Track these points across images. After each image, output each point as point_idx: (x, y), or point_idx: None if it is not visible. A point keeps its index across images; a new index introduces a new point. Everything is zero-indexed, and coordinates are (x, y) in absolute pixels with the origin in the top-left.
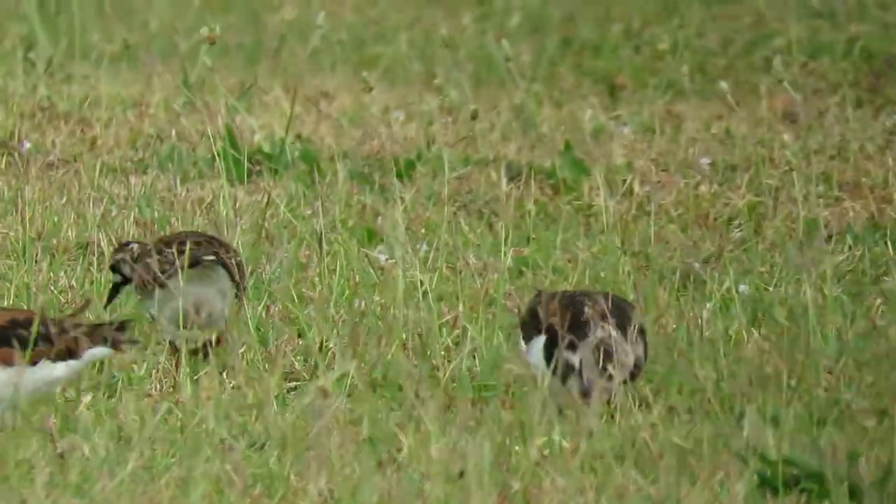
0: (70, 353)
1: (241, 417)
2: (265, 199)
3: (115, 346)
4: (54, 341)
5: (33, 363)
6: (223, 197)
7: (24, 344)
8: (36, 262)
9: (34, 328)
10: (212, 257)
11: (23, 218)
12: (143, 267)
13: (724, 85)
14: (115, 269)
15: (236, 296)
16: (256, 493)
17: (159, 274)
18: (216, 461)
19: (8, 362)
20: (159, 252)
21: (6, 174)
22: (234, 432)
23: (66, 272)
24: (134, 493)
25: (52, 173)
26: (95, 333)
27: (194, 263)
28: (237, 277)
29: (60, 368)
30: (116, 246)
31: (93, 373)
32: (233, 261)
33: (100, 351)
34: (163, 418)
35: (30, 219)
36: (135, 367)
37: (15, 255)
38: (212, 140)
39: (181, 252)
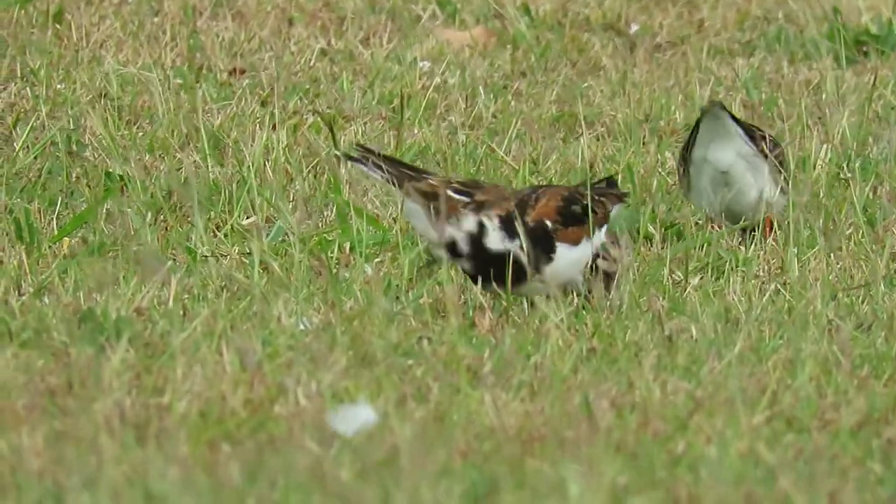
0: (605, 218)
1: (848, 298)
2: (871, 81)
3: (622, 199)
4: (597, 210)
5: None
6: (829, 78)
7: (579, 219)
8: (643, 143)
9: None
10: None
11: (630, 100)
12: None
13: None
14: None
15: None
16: (863, 375)
17: None
18: (823, 342)
19: (577, 242)
20: None
21: (614, 56)
22: (840, 313)
23: (673, 154)
24: (741, 375)
25: (659, 55)
26: (609, 193)
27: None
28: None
29: (602, 233)
30: None
31: (700, 255)
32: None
33: (617, 209)
34: (770, 299)
35: (637, 101)
36: (742, 248)
37: (622, 136)
38: (818, 22)
39: None
